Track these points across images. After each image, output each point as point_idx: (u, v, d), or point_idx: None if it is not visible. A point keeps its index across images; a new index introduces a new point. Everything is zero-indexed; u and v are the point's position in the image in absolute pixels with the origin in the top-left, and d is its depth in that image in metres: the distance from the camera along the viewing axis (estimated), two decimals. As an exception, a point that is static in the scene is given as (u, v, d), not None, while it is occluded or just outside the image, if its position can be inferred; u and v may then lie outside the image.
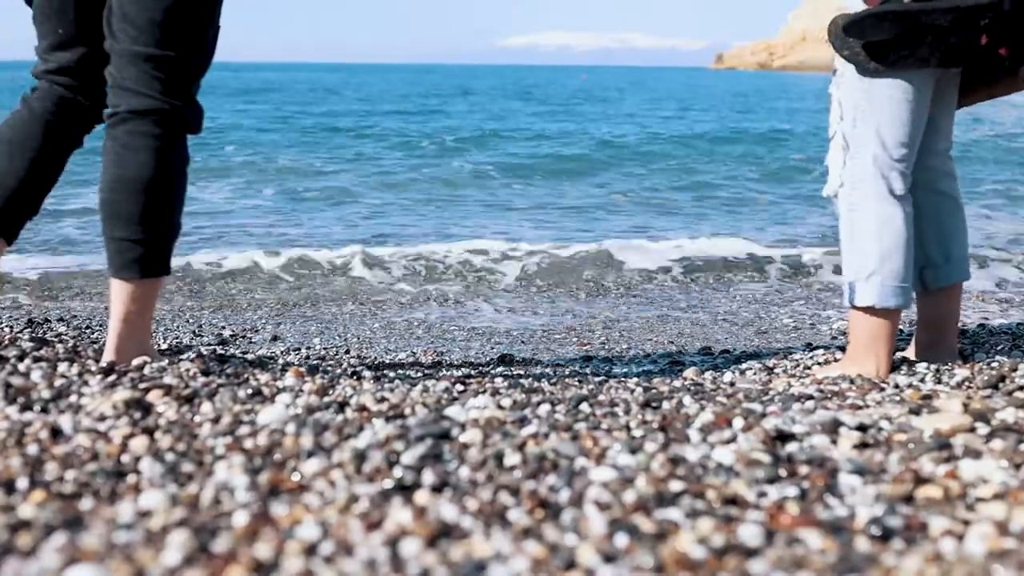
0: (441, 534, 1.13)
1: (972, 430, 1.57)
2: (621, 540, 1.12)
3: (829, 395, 1.97)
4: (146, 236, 1.99)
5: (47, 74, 2.13)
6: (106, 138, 2.02)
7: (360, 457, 1.37)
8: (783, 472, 1.35)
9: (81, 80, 2.12)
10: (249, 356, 2.48)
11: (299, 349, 3.17)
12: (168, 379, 1.82)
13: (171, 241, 2.06)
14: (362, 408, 1.69)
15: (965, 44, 2.08)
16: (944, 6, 2.05)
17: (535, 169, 10.29)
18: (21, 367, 1.89)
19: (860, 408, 1.79)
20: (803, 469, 1.37)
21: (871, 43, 2.11)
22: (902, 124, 2.18)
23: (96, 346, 2.44)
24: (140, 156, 1.97)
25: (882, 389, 2.04)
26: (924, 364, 2.31)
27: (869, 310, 2.22)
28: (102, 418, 1.56)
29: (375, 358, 2.98)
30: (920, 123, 2.21)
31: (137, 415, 1.59)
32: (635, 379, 2.41)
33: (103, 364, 1.96)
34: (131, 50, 1.96)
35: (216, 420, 1.59)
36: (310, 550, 1.09)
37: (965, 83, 2.33)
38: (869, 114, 2.18)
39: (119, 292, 2.03)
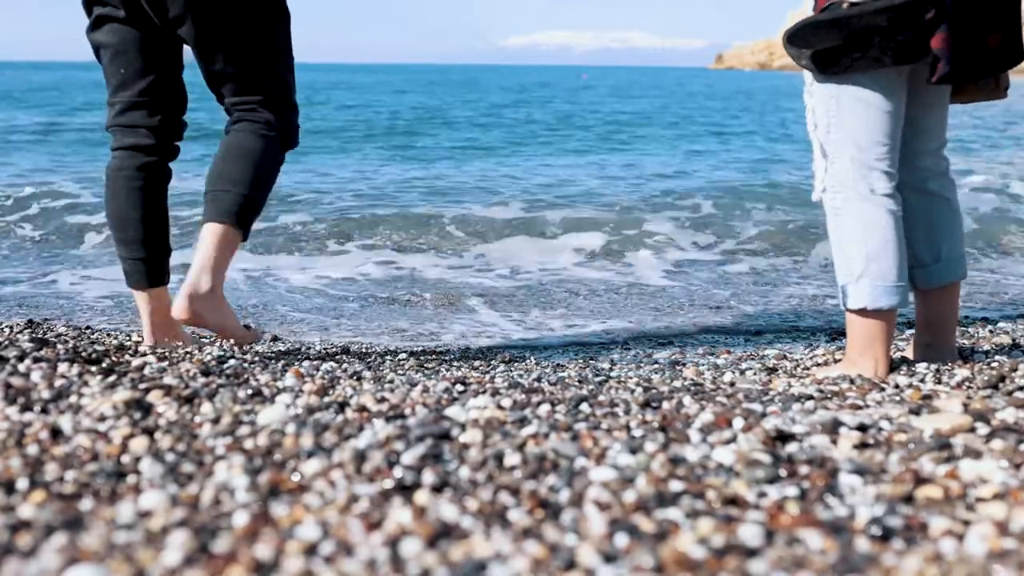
0: (441, 534, 1.13)
1: (972, 430, 1.57)
2: (621, 540, 1.12)
3: (829, 395, 1.97)
4: (245, 192, 2.36)
5: (116, 124, 2.49)
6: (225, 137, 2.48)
7: (360, 457, 1.37)
8: (783, 472, 1.35)
9: (145, 113, 2.47)
10: (249, 356, 2.48)
11: (299, 349, 3.16)
12: (168, 379, 1.83)
13: (256, 213, 2.44)
14: (362, 408, 1.69)
15: (915, 40, 2.07)
16: (874, 7, 2.05)
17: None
18: (21, 367, 1.90)
19: (860, 408, 1.79)
20: (803, 469, 1.37)
21: (824, 50, 2.11)
22: (876, 124, 2.17)
23: (96, 347, 2.44)
24: (250, 137, 2.41)
25: (882, 389, 2.05)
26: (924, 364, 2.31)
27: (862, 312, 2.22)
28: (102, 418, 1.56)
29: (375, 358, 2.98)
30: (895, 120, 2.20)
31: (137, 415, 1.59)
32: (635, 379, 2.41)
33: (175, 313, 2.36)
34: (233, 100, 2.47)
35: (216, 420, 1.59)
36: (310, 550, 1.09)
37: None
38: (841, 119, 2.19)
39: (208, 235, 2.35)
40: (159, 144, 2.49)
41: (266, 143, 2.42)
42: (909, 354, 2.48)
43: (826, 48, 2.11)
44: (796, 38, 2.14)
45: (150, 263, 2.53)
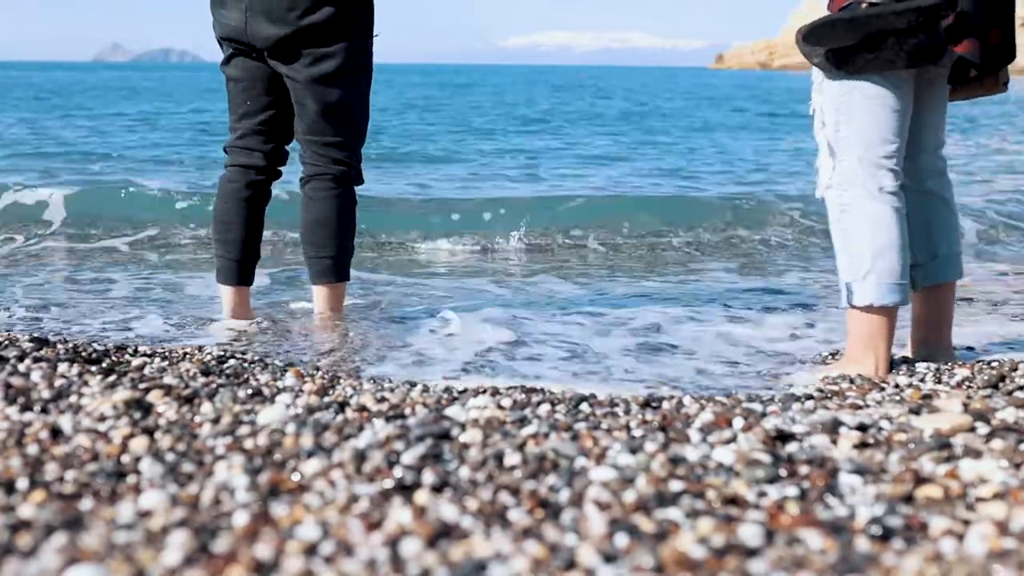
0: (441, 534, 1.13)
1: (972, 430, 1.57)
2: (621, 540, 1.12)
3: (829, 395, 1.97)
4: (332, 254, 2.86)
5: (235, 145, 2.91)
6: (301, 193, 2.92)
7: (360, 457, 1.37)
8: (783, 472, 1.35)
9: (262, 140, 2.89)
10: (249, 356, 2.48)
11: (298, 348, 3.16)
12: (168, 379, 1.83)
13: (349, 256, 2.93)
14: (362, 408, 1.70)
15: (930, 43, 2.08)
16: (893, 9, 2.05)
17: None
18: (21, 367, 1.90)
19: (860, 408, 1.79)
20: (803, 469, 1.37)
21: (837, 49, 2.12)
22: (885, 123, 2.18)
23: (95, 347, 2.44)
24: (322, 204, 2.85)
25: (882, 389, 2.05)
26: (924, 364, 2.31)
27: (867, 309, 2.22)
28: (102, 418, 1.57)
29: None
30: (904, 119, 2.21)
31: (137, 415, 1.59)
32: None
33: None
34: (307, 138, 2.85)
35: (216, 420, 1.59)
36: (310, 550, 1.09)
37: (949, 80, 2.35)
38: (850, 118, 2.19)
39: (317, 293, 2.93)
40: (268, 167, 2.93)
41: (340, 204, 2.86)
42: (908, 353, 2.48)
43: (841, 47, 2.12)
44: (811, 36, 2.14)
45: (241, 264, 2.95)
